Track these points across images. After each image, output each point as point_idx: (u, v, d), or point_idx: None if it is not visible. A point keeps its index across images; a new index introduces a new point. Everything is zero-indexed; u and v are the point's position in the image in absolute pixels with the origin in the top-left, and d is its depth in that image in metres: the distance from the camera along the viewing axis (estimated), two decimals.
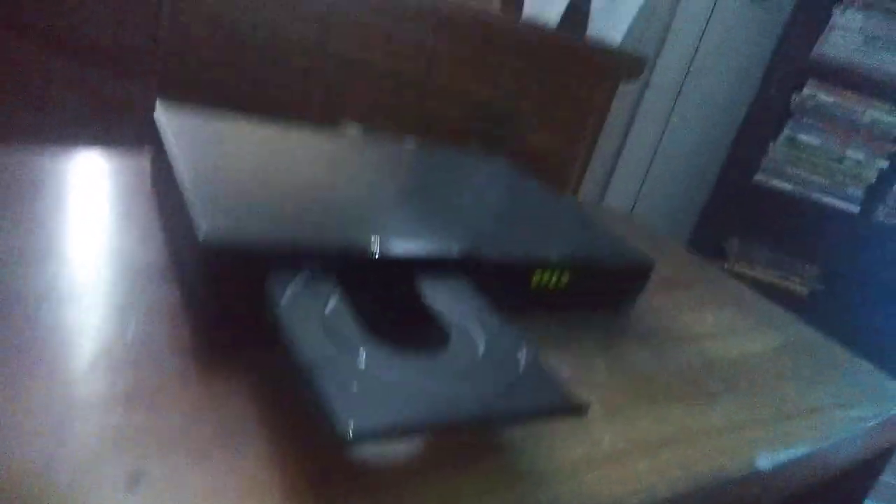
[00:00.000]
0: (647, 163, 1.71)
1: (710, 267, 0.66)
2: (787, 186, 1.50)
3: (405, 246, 0.35)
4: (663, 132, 1.68)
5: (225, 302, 0.30)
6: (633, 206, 1.74)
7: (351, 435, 0.21)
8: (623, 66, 0.94)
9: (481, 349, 0.30)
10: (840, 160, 1.48)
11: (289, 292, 0.29)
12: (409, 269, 0.35)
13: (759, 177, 1.50)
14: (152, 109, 0.45)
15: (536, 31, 0.95)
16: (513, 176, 0.56)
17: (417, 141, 0.60)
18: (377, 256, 0.33)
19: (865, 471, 0.53)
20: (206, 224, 0.30)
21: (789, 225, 1.64)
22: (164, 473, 0.23)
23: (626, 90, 1.61)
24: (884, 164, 1.49)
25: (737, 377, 0.44)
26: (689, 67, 1.62)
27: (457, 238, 0.39)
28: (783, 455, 0.37)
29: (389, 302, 0.34)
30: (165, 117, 0.44)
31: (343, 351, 0.27)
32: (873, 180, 1.50)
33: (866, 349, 1.59)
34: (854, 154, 1.48)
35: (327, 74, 0.91)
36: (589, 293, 0.45)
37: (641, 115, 1.67)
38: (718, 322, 0.52)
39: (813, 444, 0.39)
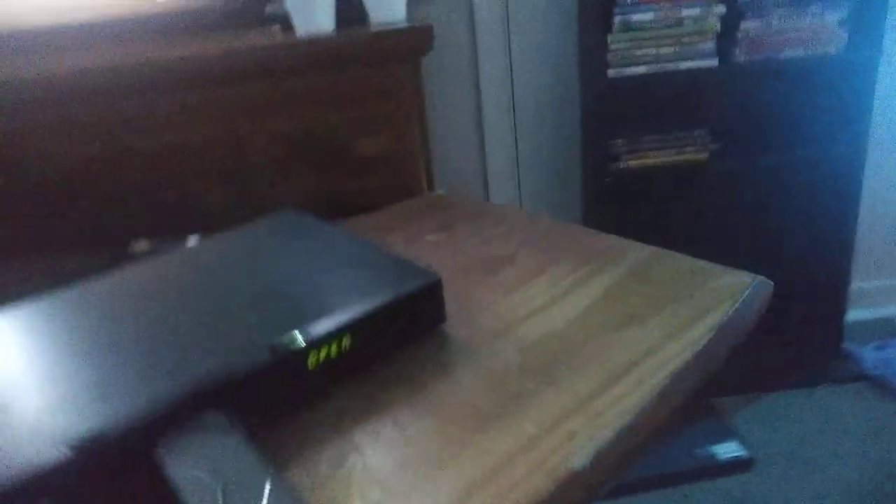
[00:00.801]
0: (509, 119, 1.68)
1: (547, 222, 0.64)
2: (641, 70, 1.49)
3: (131, 417, 0.32)
4: (512, 83, 1.65)
5: None
6: (517, 162, 1.72)
7: None
8: (409, 41, 0.90)
9: None
10: (679, 24, 1.47)
11: None
12: (143, 438, 0.32)
13: (612, 72, 1.49)
14: None
15: (316, 42, 0.91)
16: (291, 234, 0.53)
17: (209, 231, 0.56)
18: (84, 451, 0.30)
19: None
20: None
21: (662, 104, 1.64)
22: None
23: (455, 63, 1.58)
24: (721, 9, 1.49)
25: (555, 358, 0.42)
26: (505, 8, 1.59)
27: (201, 368, 0.35)
28: (601, 438, 0.35)
29: (132, 488, 0.31)
30: None
31: None
32: (718, 28, 1.50)
33: (771, 185, 1.60)
34: (690, 13, 1.47)
35: (123, 194, 0.85)
36: (381, 341, 0.42)
37: (484, 80, 1.63)
38: (541, 292, 0.50)
39: (638, 406, 0.37)
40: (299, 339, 0.38)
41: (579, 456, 0.33)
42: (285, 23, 0.95)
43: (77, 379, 0.35)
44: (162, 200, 0.85)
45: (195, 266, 0.49)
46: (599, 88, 1.51)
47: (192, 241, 0.53)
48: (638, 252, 0.55)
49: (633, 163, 1.57)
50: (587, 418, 0.36)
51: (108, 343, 0.39)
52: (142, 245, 0.60)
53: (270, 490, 0.28)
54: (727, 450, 1.47)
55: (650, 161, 1.58)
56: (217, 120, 0.89)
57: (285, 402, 0.38)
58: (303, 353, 0.38)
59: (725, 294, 0.47)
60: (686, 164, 1.60)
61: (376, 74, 0.92)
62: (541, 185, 1.77)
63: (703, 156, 1.61)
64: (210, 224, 0.80)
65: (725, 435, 1.52)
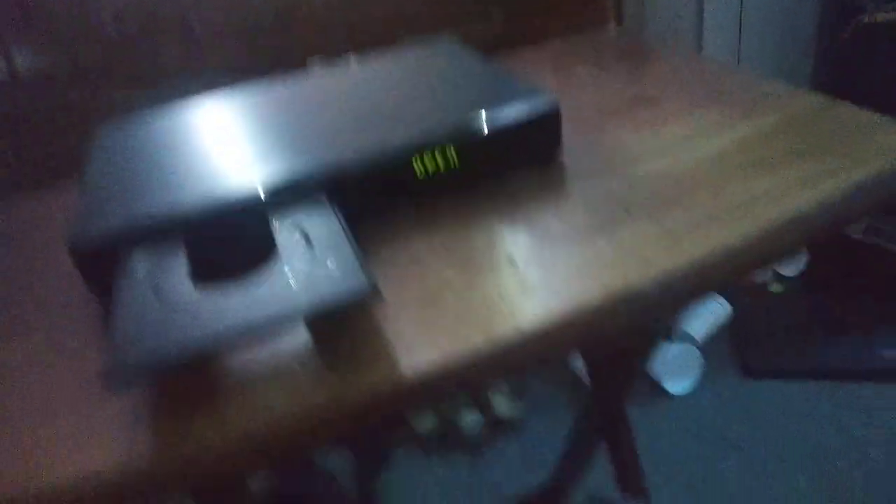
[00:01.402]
0: None
1: (715, 66, 0.58)
2: None
3: (252, 189, 0.38)
4: None
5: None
6: (739, 12, 1.50)
7: (113, 381, 0.26)
8: None
9: (298, 260, 0.33)
10: None
11: (134, 267, 0.34)
12: (260, 208, 0.38)
13: None
14: None
15: None
16: (436, 59, 0.55)
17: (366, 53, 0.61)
18: (212, 213, 0.37)
19: None
20: (70, 233, 0.36)
21: None
22: None
23: None
24: None
25: (665, 195, 0.40)
26: None
27: (318, 159, 0.40)
28: (671, 267, 0.34)
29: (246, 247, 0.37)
30: (100, 136, 0.50)
31: (161, 307, 0.31)
32: None
33: None
34: None
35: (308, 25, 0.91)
36: (490, 161, 0.43)
37: None
38: (675, 134, 0.47)
39: (726, 243, 0.35)
40: (415, 138, 0.41)
41: (642, 278, 0.34)
42: None
43: (233, 155, 0.43)
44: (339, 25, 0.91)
45: (346, 80, 0.54)
46: None
47: (353, 60, 0.57)
48: (804, 100, 0.49)
49: (882, 16, 1.31)
50: (667, 247, 0.36)
51: (264, 129, 0.46)
52: (315, 61, 0.66)
53: (340, 250, 0.33)
54: None
55: None
56: None
57: (392, 202, 0.42)
58: (407, 157, 0.41)
59: (887, 150, 0.41)
60: None
61: None
62: (765, 40, 1.55)
63: None
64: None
65: None
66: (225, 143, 0.46)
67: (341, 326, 0.34)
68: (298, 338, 0.33)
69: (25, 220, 0.51)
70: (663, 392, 1.27)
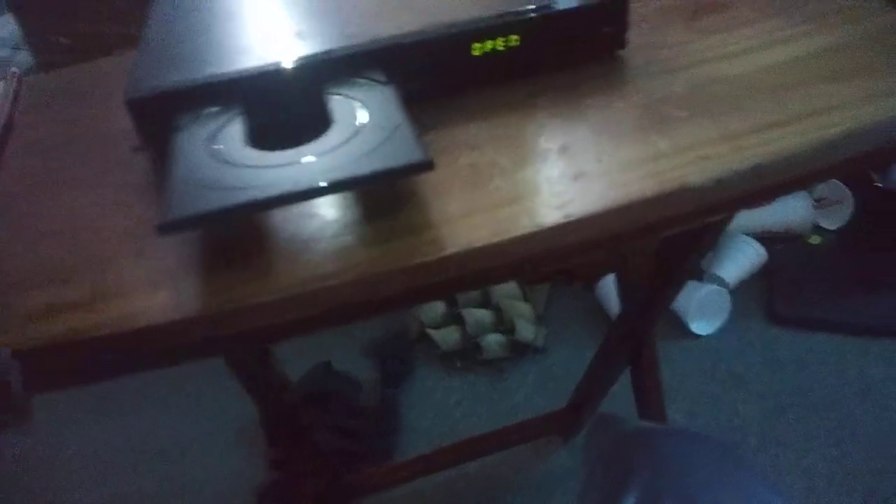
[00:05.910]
0: None
1: None
2: None
3: (305, 58, 0.37)
4: None
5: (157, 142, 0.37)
6: None
7: (166, 224, 0.27)
8: None
9: (354, 129, 0.33)
10: None
11: (185, 126, 0.35)
12: (317, 79, 0.37)
13: None
14: None
15: None
16: None
17: None
18: (271, 78, 0.37)
19: None
20: (127, 86, 0.36)
21: None
22: None
23: None
24: None
25: (726, 97, 0.39)
26: None
27: (375, 33, 0.40)
28: (731, 168, 0.33)
29: (301, 117, 0.37)
30: None
31: (216, 163, 0.31)
32: None
33: None
34: None
35: None
36: (551, 47, 0.42)
37: None
38: (743, 40, 0.45)
39: (788, 151, 0.34)
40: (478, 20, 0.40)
41: (699, 176, 0.33)
42: None
43: (294, 25, 0.42)
44: None
45: None
46: None
47: None
48: (882, 17, 0.46)
49: None
50: (727, 149, 0.35)
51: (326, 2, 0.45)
52: None
53: (396, 121, 0.32)
54: None
55: None
56: None
57: (445, 81, 0.41)
58: (467, 39, 0.40)
59: None
60: None
61: None
62: None
63: None
64: None
65: None
66: (287, 12, 0.45)
67: (392, 199, 0.34)
68: (349, 208, 0.34)
69: (85, 79, 0.50)
70: (687, 331, 1.28)
